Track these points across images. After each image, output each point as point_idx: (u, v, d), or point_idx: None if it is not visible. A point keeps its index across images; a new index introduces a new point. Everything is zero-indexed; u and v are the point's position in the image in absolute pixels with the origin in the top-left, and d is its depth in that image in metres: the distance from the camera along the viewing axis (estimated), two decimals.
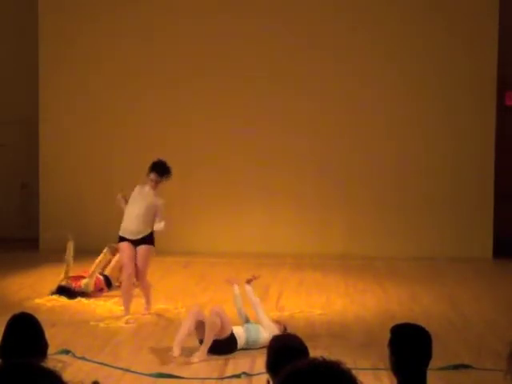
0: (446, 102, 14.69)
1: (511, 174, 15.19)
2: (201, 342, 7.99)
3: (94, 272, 10.97)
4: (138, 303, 10.43)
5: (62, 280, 10.83)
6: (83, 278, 10.86)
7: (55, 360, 6.96)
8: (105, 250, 11.41)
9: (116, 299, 10.65)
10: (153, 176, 9.68)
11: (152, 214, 9.65)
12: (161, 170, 9.70)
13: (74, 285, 10.74)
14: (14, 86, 16.06)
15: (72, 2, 15.11)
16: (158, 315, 9.81)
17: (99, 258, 11.23)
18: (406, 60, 14.71)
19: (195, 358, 7.74)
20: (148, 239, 9.71)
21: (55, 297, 10.58)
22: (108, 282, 11.19)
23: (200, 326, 7.99)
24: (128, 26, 14.97)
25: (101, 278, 11.08)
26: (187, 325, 7.95)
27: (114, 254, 11.27)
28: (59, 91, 15.09)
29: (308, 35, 14.77)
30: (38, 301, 10.36)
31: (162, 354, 8.03)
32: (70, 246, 11.16)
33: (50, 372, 2.25)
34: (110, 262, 11.41)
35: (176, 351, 7.71)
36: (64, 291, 10.63)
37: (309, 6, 14.81)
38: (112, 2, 15.12)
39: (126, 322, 9.43)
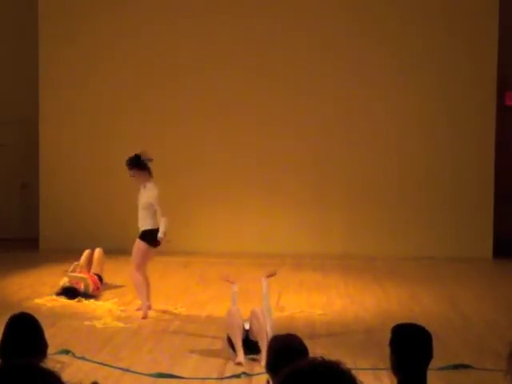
0: (445, 102, 14.69)
1: (511, 174, 15.19)
2: (229, 339, 8.00)
3: (86, 273, 10.99)
4: (136, 304, 10.43)
5: (65, 282, 10.78)
6: (79, 280, 10.81)
7: (54, 360, 6.96)
8: (86, 253, 11.53)
9: (116, 299, 10.66)
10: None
11: (149, 209, 9.73)
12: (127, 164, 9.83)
13: (76, 286, 10.69)
14: (14, 85, 16.05)
15: (72, 2, 15.11)
16: (158, 315, 9.80)
17: (82, 259, 11.36)
18: (405, 60, 14.70)
19: (241, 359, 7.66)
20: (142, 234, 9.78)
21: (55, 297, 10.56)
22: (100, 280, 11.22)
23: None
24: (128, 25, 14.96)
25: (95, 277, 11.09)
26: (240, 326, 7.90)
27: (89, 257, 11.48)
28: (59, 91, 15.09)
29: (308, 36, 14.76)
30: (37, 301, 10.35)
31: (162, 354, 8.03)
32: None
33: (48, 372, 2.25)
34: (91, 261, 11.49)
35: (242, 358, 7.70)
36: (68, 292, 10.57)
37: (310, 6, 14.79)
38: (112, 2, 15.11)
39: (138, 309, 9.81)
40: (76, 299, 10.50)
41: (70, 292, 10.58)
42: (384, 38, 14.68)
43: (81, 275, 10.92)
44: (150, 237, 9.72)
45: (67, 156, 15.14)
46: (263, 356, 7.38)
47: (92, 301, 10.54)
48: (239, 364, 7.59)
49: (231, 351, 7.93)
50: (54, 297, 10.56)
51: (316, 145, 14.82)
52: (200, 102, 14.87)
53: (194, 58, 14.88)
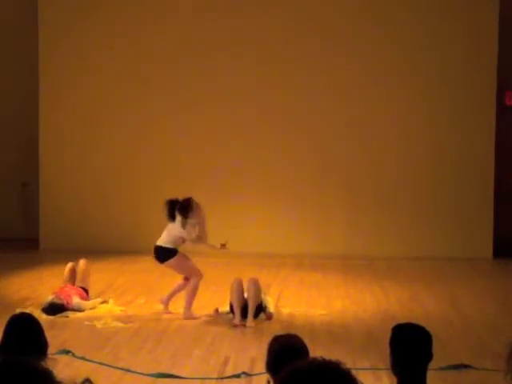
0: (446, 102, 14.68)
1: (511, 174, 15.19)
2: (231, 307, 9.38)
3: (70, 286, 10.32)
4: (136, 304, 10.45)
5: (52, 297, 9.90)
6: (70, 295, 10.01)
7: (51, 360, 6.94)
8: (69, 265, 10.64)
9: (115, 299, 10.63)
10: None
11: None
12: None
13: (65, 301, 9.89)
14: (14, 85, 16.05)
15: (73, 2, 15.10)
16: (158, 315, 9.80)
17: (65, 273, 10.56)
18: (405, 60, 14.69)
19: (251, 323, 9.12)
20: None
21: (39, 312, 9.47)
22: (86, 292, 10.40)
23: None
24: (130, 25, 14.95)
25: (80, 289, 10.30)
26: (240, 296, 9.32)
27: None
28: (59, 91, 15.08)
29: (308, 26, 14.73)
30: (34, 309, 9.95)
31: (162, 354, 8.03)
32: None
33: (41, 370, 2.25)
34: (75, 274, 10.59)
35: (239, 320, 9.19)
36: (54, 308, 9.72)
37: (314, 4, 14.80)
38: (110, 1, 15.10)
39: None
40: (61, 314, 9.69)
41: (55, 308, 9.75)
42: (384, 37, 14.67)
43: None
44: None
45: (67, 156, 15.14)
46: (249, 319, 9.17)
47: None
48: (235, 325, 9.09)
49: (232, 316, 9.33)
50: (39, 312, 9.48)
51: (317, 144, 14.81)
52: (199, 101, 14.85)
53: (194, 54, 14.84)
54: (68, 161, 15.13)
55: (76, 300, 9.98)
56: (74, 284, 10.42)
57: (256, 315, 9.36)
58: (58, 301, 9.85)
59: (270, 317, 9.51)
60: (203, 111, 14.87)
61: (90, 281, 10.65)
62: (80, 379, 2.63)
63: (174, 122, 14.93)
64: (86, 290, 10.41)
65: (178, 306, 9.90)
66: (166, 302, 9.92)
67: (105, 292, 11.09)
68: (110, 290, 11.26)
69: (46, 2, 15.10)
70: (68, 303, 9.89)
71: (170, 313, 9.85)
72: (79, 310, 9.92)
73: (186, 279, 9.96)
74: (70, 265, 10.64)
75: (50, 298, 9.93)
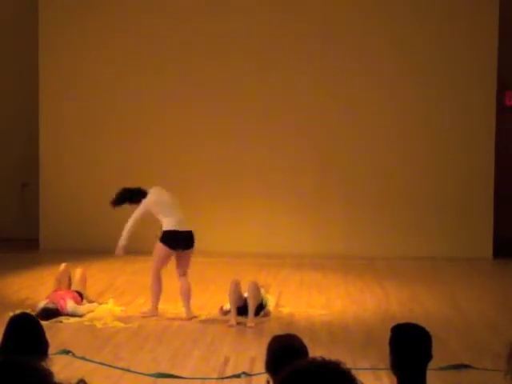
0: (446, 101, 14.68)
1: (511, 174, 15.19)
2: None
3: (65, 289, 10.08)
4: (136, 304, 10.45)
5: (45, 302, 9.61)
6: (64, 299, 9.71)
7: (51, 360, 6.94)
8: (62, 266, 10.40)
9: (115, 299, 10.63)
10: None
11: (156, 212, 10.04)
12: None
13: (59, 305, 9.58)
14: (14, 85, 16.05)
15: (73, 2, 15.09)
16: (158, 315, 9.80)
17: (59, 273, 10.31)
18: (405, 60, 14.70)
19: (251, 323, 9.20)
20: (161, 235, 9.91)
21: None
22: (81, 297, 10.13)
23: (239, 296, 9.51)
24: (130, 25, 14.95)
25: (75, 293, 10.05)
26: (235, 298, 9.42)
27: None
28: (59, 91, 15.08)
29: (309, 27, 14.74)
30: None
31: (162, 354, 8.04)
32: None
33: (41, 370, 2.25)
34: (68, 275, 10.38)
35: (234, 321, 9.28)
36: (49, 314, 9.35)
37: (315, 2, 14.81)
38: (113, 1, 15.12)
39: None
40: (55, 320, 9.35)
41: (49, 313, 9.42)
42: (385, 37, 14.67)
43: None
44: (167, 238, 9.85)
45: (67, 156, 15.14)
46: (249, 318, 9.27)
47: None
48: (231, 326, 9.16)
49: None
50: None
51: (317, 144, 14.82)
52: (200, 101, 14.85)
53: (195, 54, 14.85)
54: (68, 161, 15.13)
55: (71, 304, 9.67)
56: (69, 288, 10.18)
57: (256, 313, 9.46)
58: (51, 305, 9.52)
59: (266, 314, 9.66)
60: (204, 111, 14.87)
61: (86, 287, 10.43)
62: (75, 380, 2.61)
63: (175, 122, 14.93)
64: (80, 294, 10.11)
65: (178, 305, 9.92)
66: (155, 309, 9.82)
67: (105, 292, 11.10)
68: (110, 290, 11.26)
69: (45, 2, 15.10)
70: (62, 307, 9.57)
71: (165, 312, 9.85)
72: (74, 314, 9.60)
73: (157, 280, 9.85)
74: (63, 266, 10.37)
75: (43, 302, 9.61)
